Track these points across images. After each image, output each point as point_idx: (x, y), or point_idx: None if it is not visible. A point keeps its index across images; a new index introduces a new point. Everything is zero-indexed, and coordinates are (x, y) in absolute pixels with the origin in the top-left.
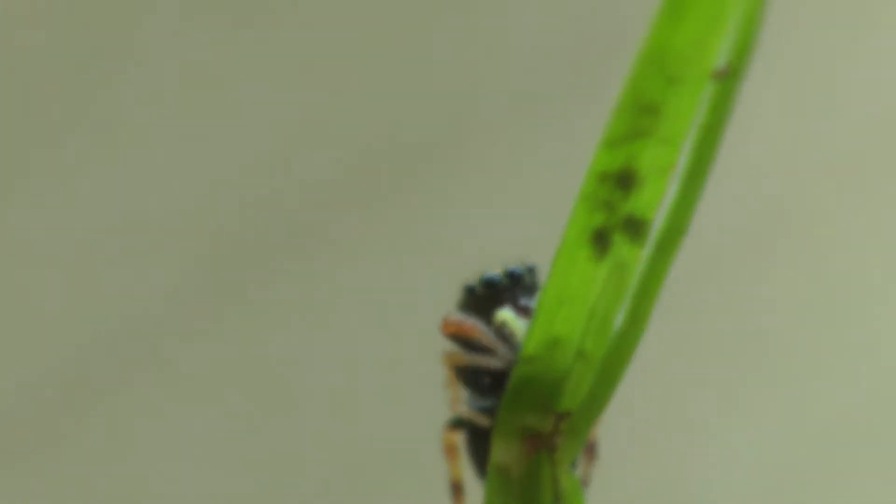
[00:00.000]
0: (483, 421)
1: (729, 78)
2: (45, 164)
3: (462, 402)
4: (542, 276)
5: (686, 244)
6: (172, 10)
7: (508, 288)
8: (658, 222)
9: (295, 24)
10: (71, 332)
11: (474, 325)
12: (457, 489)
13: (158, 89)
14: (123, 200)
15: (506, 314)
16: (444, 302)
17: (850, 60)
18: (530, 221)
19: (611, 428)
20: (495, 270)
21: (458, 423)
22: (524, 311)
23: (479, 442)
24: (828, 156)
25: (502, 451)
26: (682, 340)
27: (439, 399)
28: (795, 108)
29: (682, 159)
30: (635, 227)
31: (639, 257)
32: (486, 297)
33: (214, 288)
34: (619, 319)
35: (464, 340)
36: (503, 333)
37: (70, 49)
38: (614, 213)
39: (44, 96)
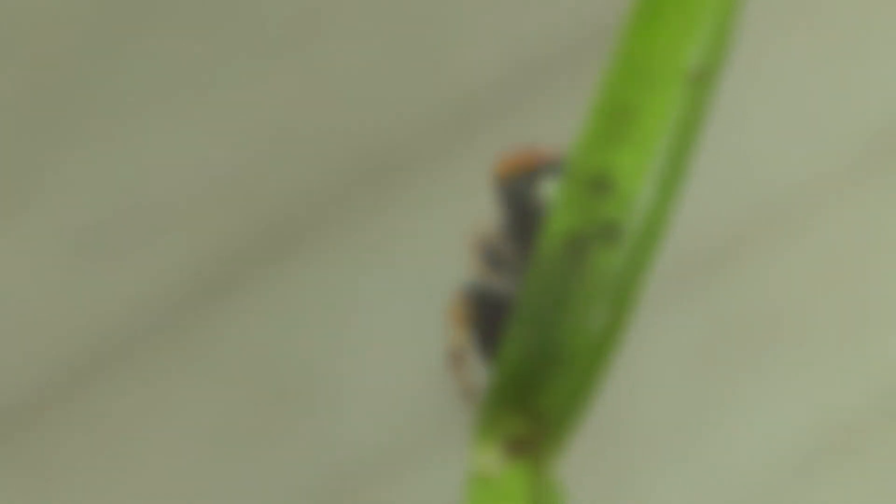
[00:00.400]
0: (499, 285)
1: (703, 80)
2: (46, 160)
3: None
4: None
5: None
6: (161, 13)
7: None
8: (635, 226)
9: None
10: (54, 335)
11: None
12: (457, 358)
13: (137, 91)
14: (107, 203)
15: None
16: (434, 301)
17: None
18: None
19: (636, 413)
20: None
21: (469, 294)
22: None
23: (489, 319)
24: (837, 143)
25: (481, 456)
26: (709, 320)
27: (438, 398)
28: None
29: (658, 162)
30: (611, 232)
31: (615, 261)
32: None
33: (204, 287)
34: (597, 323)
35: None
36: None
37: (60, 46)
38: (590, 217)
39: (29, 95)
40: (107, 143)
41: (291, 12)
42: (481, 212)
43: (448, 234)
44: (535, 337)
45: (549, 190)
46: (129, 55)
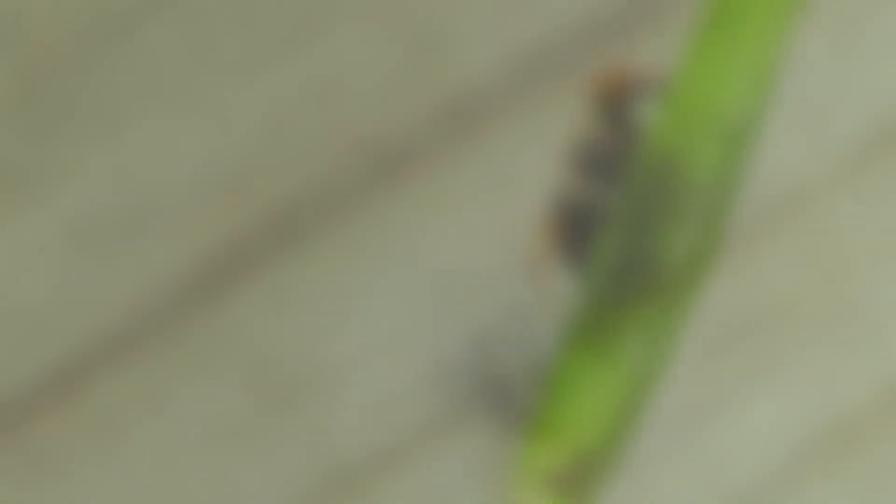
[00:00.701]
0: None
1: (745, 129)
2: (46, 156)
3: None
4: None
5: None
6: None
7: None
8: (676, 270)
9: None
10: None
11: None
12: (541, 267)
13: (136, 91)
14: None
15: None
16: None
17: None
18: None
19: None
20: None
21: (560, 206)
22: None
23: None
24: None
25: (522, 493)
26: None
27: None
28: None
29: (701, 209)
30: (654, 275)
31: (657, 306)
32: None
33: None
34: (639, 366)
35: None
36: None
37: (60, 47)
38: (633, 261)
39: (27, 92)
40: (106, 142)
41: (292, 11)
42: (482, 212)
43: (448, 232)
44: (581, 375)
45: (644, 111)
46: (128, 55)
